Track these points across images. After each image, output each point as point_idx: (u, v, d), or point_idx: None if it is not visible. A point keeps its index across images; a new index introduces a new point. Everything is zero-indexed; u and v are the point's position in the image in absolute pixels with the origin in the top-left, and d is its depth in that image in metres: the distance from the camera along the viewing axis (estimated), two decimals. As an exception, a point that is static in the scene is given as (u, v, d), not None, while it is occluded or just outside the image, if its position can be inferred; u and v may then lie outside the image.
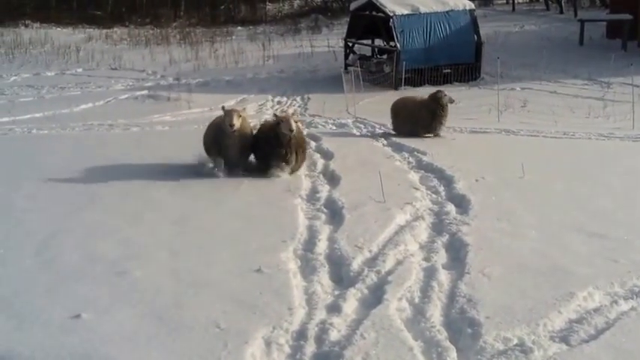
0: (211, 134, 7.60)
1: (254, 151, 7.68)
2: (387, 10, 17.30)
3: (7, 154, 9.09)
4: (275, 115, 7.85)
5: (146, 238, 5.40)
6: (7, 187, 7.01)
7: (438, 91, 9.76)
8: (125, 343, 3.70)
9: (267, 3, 39.56)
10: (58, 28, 30.60)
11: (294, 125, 7.18)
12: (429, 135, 9.61)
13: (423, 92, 14.93)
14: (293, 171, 7.42)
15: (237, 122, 7.11)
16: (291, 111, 13.76)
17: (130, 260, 4.90)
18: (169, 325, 3.90)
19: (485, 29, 20.22)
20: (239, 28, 32.08)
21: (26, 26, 30.72)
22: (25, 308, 4.13)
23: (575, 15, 26.87)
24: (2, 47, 23.64)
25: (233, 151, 7.36)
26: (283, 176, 7.27)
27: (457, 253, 5.09)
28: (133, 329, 3.85)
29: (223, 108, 7.49)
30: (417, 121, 9.70)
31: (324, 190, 6.85)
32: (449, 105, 9.60)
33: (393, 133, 9.95)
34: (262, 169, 7.42)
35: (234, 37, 27.73)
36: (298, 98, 15.95)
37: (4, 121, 12.21)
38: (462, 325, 3.95)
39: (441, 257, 5.03)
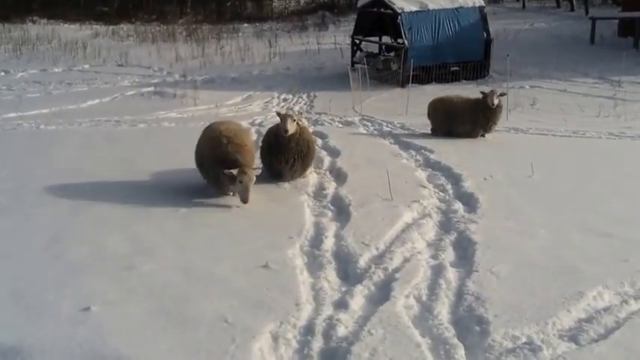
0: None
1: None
2: (396, 7, 17.25)
3: (16, 149, 9.13)
4: (277, 113, 7.39)
5: (154, 233, 5.41)
6: (16, 182, 7.04)
7: (492, 91, 9.64)
8: (133, 336, 3.71)
9: (274, 0, 39.53)
10: (65, 25, 30.65)
11: (288, 125, 6.69)
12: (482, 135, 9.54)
13: (430, 90, 14.98)
14: (294, 178, 7.03)
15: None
16: (297, 108, 13.75)
17: (138, 255, 4.92)
18: (177, 319, 3.90)
19: (495, 26, 20.11)
20: (245, 25, 32.06)
21: (33, 22, 30.78)
22: (35, 301, 4.15)
23: (587, 13, 26.73)
24: (10, 43, 23.71)
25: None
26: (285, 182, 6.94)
27: (465, 251, 5.07)
28: (141, 323, 3.86)
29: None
30: (476, 120, 9.50)
31: (331, 187, 6.84)
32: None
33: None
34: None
35: (240, 34, 27.72)
36: (304, 96, 15.92)
37: (12, 116, 12.24)
38: (469, 323, 3.94)
39: (448, 255, 5.02)
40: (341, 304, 4.18)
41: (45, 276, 4.56)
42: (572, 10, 29.58)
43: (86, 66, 20.68)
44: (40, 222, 5.74)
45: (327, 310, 4.10)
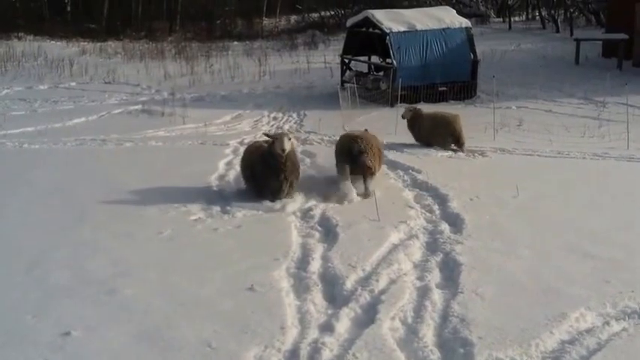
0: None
1: (244, 173, 7.42)
2: (384, 27, 17.37)
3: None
4: (266, 134, 7.41)
5: (137, 256, 5.38)
6: (-2, 202, 6.98)
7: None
8: (114, 362, 3.67)
9: (264, 18, 39.80)
10: (52, 41, 30.55)
11: (287, 144, 6.80)
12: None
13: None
14: (288, 196, 7.06)
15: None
16: (286, 127, 13.77)
17: (120, 278, 4.88)
18: (159, 344, 3.87)
19: (482, 47, 20.30)
20: (235, 42, 32.18)
21: (19, 39, 30.62)
22: (14, 326, 4.10)
23: (571, 34, 27.06)
24: (-6, 60, 23.57)
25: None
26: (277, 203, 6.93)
27: (451, 272, 5.08)
28: (123, 348, 3.82)
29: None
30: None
31: (319, 207, 6.84)
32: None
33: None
34: (253, 191, 7.20)
35: (230, 52, 27.79)
36: (294, 114, 15.92)
37: (-4, 134, 12.13)
38: (454, 346, 3.95)
39: (434, 277, 5.02)
40: (326, 327, 4.17)
41: (25, 300, 4.51)
42: (558, 31, 29.97)
43: (73, 83, 20.57)
44: (21, 244, 5.69)
45: (313, 334, 4.09)
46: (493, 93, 14.67)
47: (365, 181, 7.33)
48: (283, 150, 6.76)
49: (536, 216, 6.51)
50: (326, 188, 7.52)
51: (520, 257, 5.34)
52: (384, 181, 8.03)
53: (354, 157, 7.29)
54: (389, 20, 17.67)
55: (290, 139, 6.96)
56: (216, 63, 23.74)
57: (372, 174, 7.39)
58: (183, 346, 3.83)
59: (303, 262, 5.29)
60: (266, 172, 6.96)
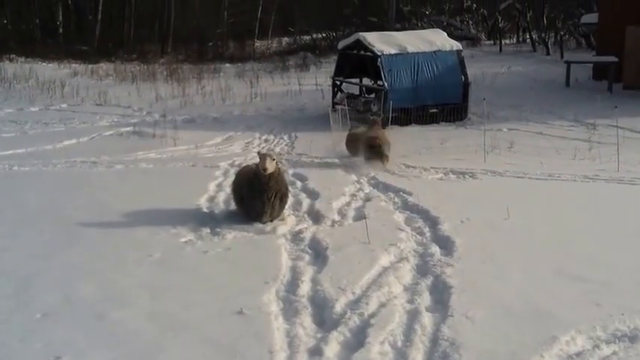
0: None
1: (234, 196, 7.43)
2: (375, 50, 17.49)
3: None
4: (258, 152, 7.56)
5: (126, 279, 5.34)
6: (-15, 225, 6.93)
7: None
8: (101, 388, 3.63)
9: (256, 40, 40.04)
10: (44, 63, 30.45)
11: (268, 164, 6.83)
12: None
13: (410, 131, 15.14)
14: (273, 218, 7.09)
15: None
16: (277, 149, 13.78)
17: (109, 302, 4.84)
18: (147, 369, 3.83)
19: (473, 70, 20.41)
20: (227, 65, 32.27)
21: (10, 60, 30.50)
22: (1, 352, 4.05)
23: (562, 56, 27.30)
24: (-15, 82, 23.53)
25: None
26: (265, 221, 6.99)
27: (441, 295, 5.07)
28: (110, 373, 3.78)
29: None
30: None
31: (309, 230, 6.83)
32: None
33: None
34: (243, 214, 7.21)
35: (221, 74, 27.86)
36: (285, 136, 15.94)
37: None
38: (444, 370, 3.92)
39: (424, 300, 5.01)
40: (315, 352, 4.15)
41: (11, 324, 4.46)
42: (548, 54, 30.24)
43: (64, 105, 20.51)
44: (9, 267, 5.64)
45: (301, 358, 4.07)
46: (484, 115, 14.74)
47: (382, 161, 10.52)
48: (265, 169, 6.81)
49: (527, 238, 6.52)
50: (317, 210, 7.54)
51: (510, 280, 5.34)
52: (374, 203, 8.05)
53: (373, 150, 10.55)
54: (380, 43, 17.80)
55: (274, 159, 7.01)
56: (208, 85, 23.79)
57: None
58: (171, 372, 3.80)
59: (293, 285, 5.27)
60: (251, 193, 7.00)
